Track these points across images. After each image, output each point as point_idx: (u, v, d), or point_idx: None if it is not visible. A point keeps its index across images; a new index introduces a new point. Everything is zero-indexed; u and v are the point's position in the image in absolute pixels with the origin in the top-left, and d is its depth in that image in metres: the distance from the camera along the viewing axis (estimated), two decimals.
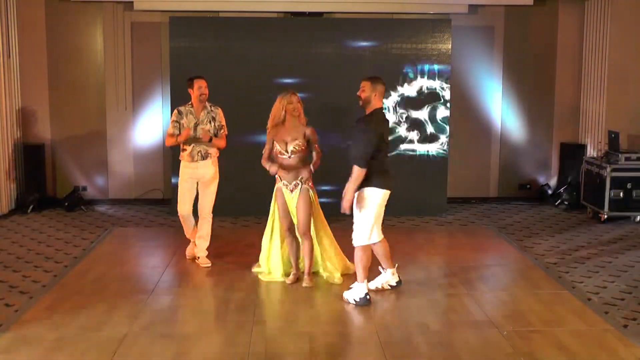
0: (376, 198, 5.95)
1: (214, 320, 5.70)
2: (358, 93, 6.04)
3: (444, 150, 9.32)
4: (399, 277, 6.42)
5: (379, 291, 6.33)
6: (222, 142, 7.02)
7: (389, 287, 6.37)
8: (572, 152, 10.10)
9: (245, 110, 8.72)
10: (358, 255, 6.02)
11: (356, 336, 5.35)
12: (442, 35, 9.22)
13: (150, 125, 9.89)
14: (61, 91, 9.80)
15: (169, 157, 9.39)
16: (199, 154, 6.94)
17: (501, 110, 10.21)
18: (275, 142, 6.33)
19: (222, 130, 7.02)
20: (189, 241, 7.33)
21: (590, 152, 9.94)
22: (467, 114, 10.06)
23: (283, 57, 9.13)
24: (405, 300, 6.24)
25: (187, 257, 7.28)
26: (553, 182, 10.39)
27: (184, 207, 7.09)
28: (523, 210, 9.83)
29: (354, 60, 9.15)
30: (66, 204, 9.54)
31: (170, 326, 5.57)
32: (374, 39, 9.18)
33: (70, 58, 9.77)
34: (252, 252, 7.17)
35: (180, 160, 7.10)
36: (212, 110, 7.00)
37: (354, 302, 5.97)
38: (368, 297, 5.97)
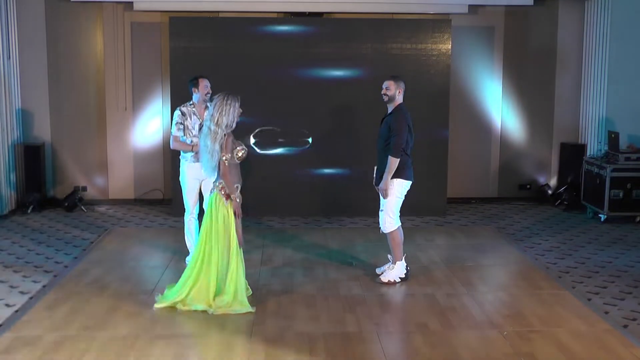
0: (403, 189, 6.53)
1: (214, 320, 5.69)
2: (383, 92, 6.51)
3: (443, 149, 9.33)
4: (407, 267, 6.67)
5: (380, 293, 6.36)
6: None
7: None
8: (572, 152, 10.09)
9: (245, 111, 8.68)
10: (394, 238, 6.56)
11: (356, 336, 5.35)
12: (442, 36, 9.23)
13: (151, 125, 9.89)
14: (61, 91, 9.80)
15: (169, 157, 9.39)
16: None
17: (501, 110, 10.21)
18: (236, 149, 5.84)
19: None
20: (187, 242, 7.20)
21: (591, 152, 9.94)
22: (467, 114, 10.06)
23: (283, 58, 9.13)
24: (405, 300, 6.25)
25: None
26: (553, 182, 10.39)
27: (194, 209, 6.98)
28: (523, 211, 9.83)
29: (354, 61, 9.16)
30: (66, 204, 9.54)
31: (170, 327, 5.57)
32: (373, 39, 9.18)
33: (70, 58, 9.77)
34: (252, 251, 7.21)
35: (180, 160, 6.99)
36: None
37: (399, 280, 6.57)
38: (408, 269, 6.65)
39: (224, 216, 5.85)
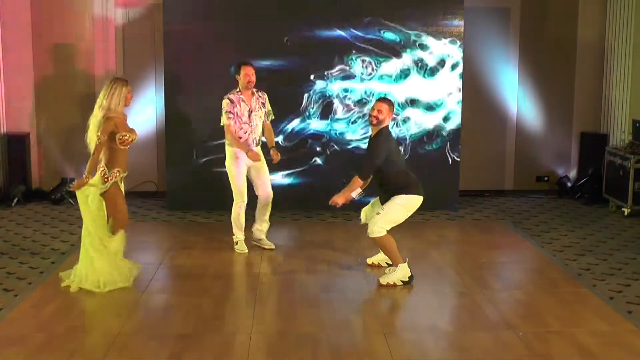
0: (414, 204, 6.46)
1: (211, 320, 5.71)
2: (374, 114, 6.45)
3: (455, 139, 9.32)
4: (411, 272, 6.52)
5: (388, 292, 6.37)
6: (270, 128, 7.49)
7: (386, 265, 6.74)
8: (593, 142, 10.08)
9: None
10: (385, 243, 6.43)
11: (362, 338, 5.36)
12: (454, 17, 9.20)
13: (143, 113, 9.89)
14: (47, 77, 9.81)
15: (162, 147, 9.40)
16: (254, 141, 7.22)
17: (517, 97, 10.20)
18: (119, 133, 6.27)
19: (270, 116, 7.42)
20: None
21: (613, 142, 9.93)
22: (480, 101, 10.05)
23: (284, 39, 9.10)
24: (415, 300, 6.26)
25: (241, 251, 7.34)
26: (573, 174, 10.39)
27: (245, 196, 7.27)
28: (540, 204, 9.83)
29: (360, 43, 9.13)
30: (53, 196, 9.56)
31: (164, 327, 5.59)
32: (381, 20, 9.15)
33: (57, 41, 9.76)
34: (252, 248, 7.24)
35: (229, 148, 7.21)
36: (260, 96, 7.27)
37: (401, 284, 6.40)
38: (411, 275, 6.45)
39: (93, 198, 6.28)
